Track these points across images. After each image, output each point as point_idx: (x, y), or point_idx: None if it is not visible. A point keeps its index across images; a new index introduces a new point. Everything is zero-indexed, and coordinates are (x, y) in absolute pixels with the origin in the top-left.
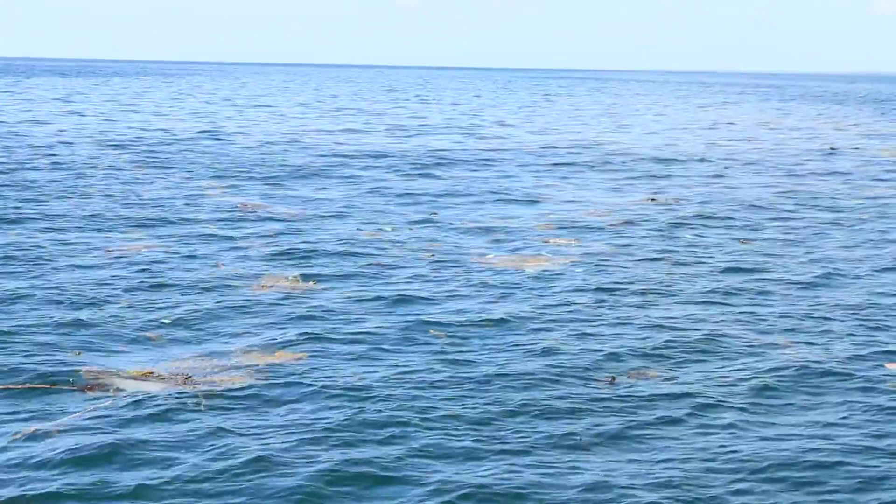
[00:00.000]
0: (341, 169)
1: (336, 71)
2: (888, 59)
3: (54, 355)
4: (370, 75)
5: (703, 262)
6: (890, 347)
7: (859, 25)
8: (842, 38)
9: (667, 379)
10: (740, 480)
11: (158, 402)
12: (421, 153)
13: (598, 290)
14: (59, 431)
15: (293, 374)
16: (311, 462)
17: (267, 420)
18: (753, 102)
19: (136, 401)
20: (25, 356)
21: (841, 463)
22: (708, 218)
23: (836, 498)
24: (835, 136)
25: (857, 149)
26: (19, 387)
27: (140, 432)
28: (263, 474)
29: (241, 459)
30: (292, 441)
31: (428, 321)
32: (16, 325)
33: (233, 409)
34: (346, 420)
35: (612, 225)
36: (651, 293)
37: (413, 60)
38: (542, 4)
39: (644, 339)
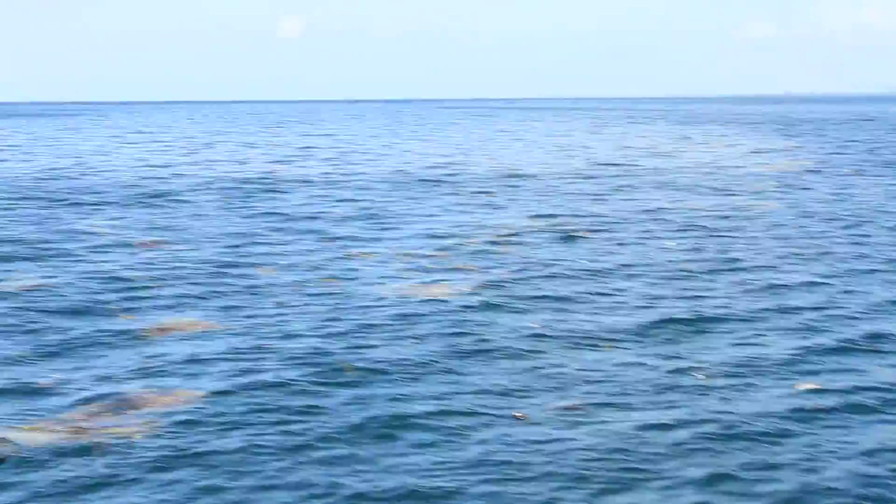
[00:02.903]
0: (227, 197)
1: (217, 107)
2: (758, 81)
3: None
4: (251, 110)
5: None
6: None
7: (729, 49)
8: (712, 61)
9: (577, 412)
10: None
11: (48, 459)
12: (301, 179)
13: (497, 310)
14: None
15: (190, 422)
16: None
17: (160, 476)
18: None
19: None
20: None
21: None
22: (597, 232)
23: None
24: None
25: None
26: None
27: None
28: None
29: None
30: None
31: (338, 357)
32: None
33: (126, 463)
34: (250, 464)
35: (506, 246)
36: (556, 310)
37: (296, 94)
38: (418, 36)
39: (559, 369)
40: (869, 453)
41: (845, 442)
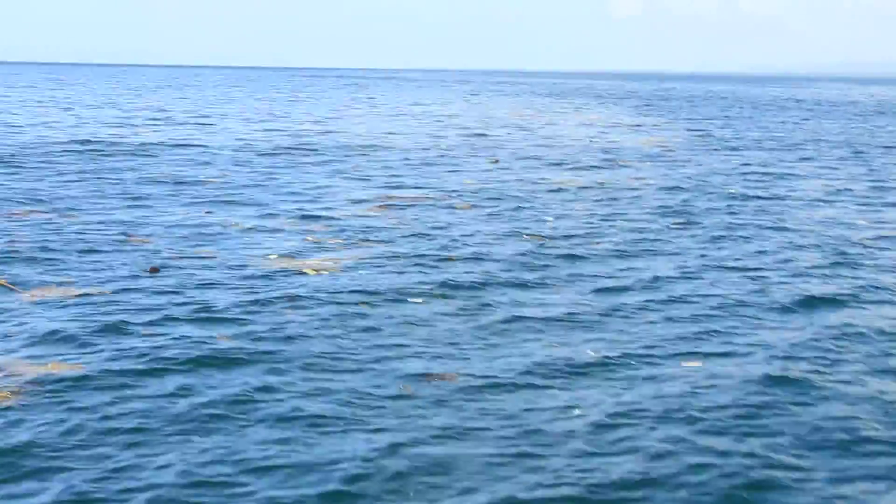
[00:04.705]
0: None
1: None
2: (628, 58)
3: None
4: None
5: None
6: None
7: (600, 27)
8: (584, 39)
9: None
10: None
11: None
12: (156, 145)
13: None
14: None
15: (69, 388)
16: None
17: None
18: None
19: None
20: None
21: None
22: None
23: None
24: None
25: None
26: None
27: None
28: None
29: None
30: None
31: (220, 331)
32: None
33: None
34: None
35: (384, 215)
36: (447, 287)
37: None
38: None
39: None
40: None
41: None
